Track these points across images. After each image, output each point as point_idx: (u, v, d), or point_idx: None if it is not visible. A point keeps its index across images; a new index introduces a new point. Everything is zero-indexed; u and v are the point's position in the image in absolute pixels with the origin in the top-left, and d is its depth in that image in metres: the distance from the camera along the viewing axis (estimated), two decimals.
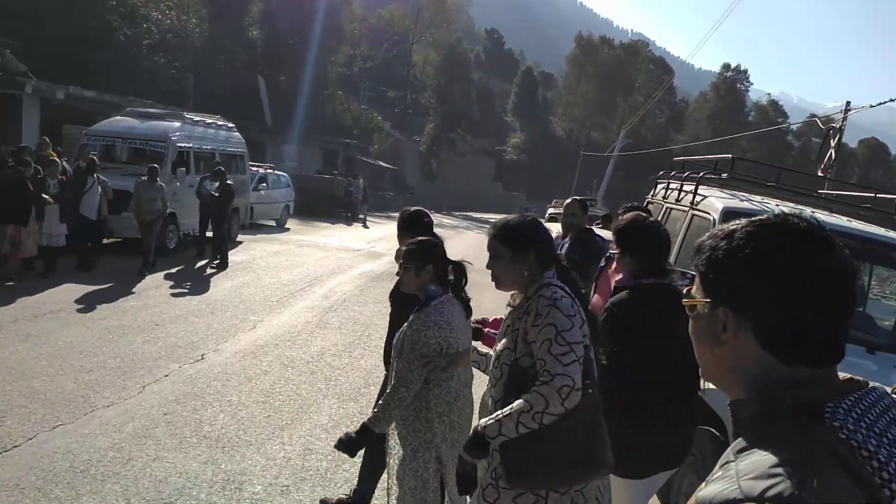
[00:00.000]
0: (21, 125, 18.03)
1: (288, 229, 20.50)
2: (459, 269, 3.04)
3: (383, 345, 3.82)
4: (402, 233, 3.65)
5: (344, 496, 4.15)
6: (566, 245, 5.54)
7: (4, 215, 9.01)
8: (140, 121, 13.64)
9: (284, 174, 21.94)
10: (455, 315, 2.94)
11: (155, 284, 10.27)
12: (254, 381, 6.36)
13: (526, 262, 2.37)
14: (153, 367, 6.39)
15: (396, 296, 3.57)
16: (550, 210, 21.59)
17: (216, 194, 12.25)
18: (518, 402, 2.13)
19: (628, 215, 3.11)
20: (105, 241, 11.86)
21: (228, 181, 12.48)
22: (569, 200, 5.85)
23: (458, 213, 44.98)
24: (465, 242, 25.85)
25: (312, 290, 11.16)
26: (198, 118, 14.59)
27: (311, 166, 32.18)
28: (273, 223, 20.51)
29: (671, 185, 6.24)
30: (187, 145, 13.52)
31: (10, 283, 9.13)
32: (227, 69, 29.37)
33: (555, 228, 9.93)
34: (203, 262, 12.58)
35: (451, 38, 58.02)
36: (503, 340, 2.37)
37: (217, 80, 27.44)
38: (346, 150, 38.55)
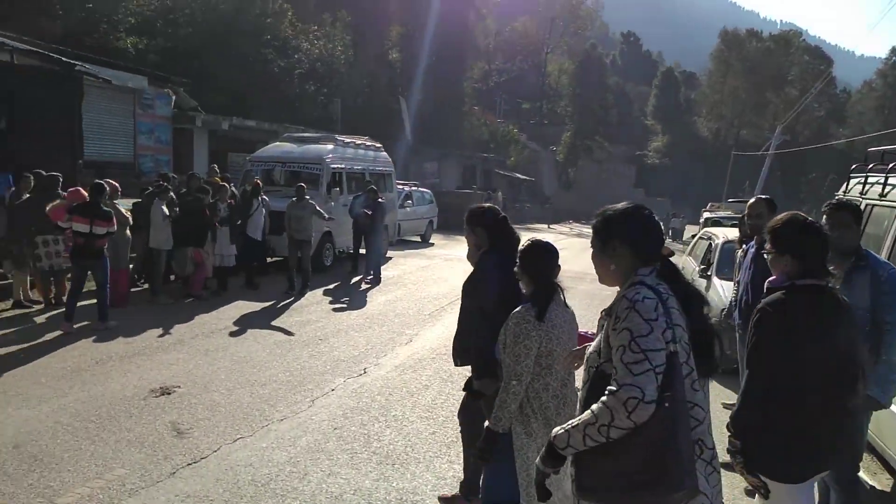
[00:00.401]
0: (193, 155, 19.67)
1: (432, 244, 20.83)
2: (556, 275, 3.11)
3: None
4: (472, 229, 3.71)
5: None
6: (751, 249, 5.02)
7: (187, 239, 9.72)
8: (297, 145, 14.36)
9: (427, 191, 22.35)
10: (557, 314, 3.00)
11: (315, 300, 10.66)
12: (416, 396, 6.33)
13: (613, 255, 2.19)
14: (320, 381, 6.54)
15: (468, 290, 3.67)
16: (707, 214, 20.34)
17: (369, 212, 12.58)
18: (587, 413, 1.99)
19: (785, 214, 2.84)
20: (268, 259, 12.55)
21: (380, 199, 12.78)
22: (753, 200, 5.31)
23: None
24: None
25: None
26: (348, 140, 15.13)
27: (451, 182, 32.65)
28: (418, 238, 20.92)
29: (870, 179, 5.50)
30: (340, 166, 14.04)
31: (190, 300, 9.84)
32: (370, 92, 30.53)
33: (720, 233, 9.38)
34: (357, 278, 12.96)
35: (586, 45, 57.00)
36: (594, 342, 2.23)
37: (361, 103, 28.58)
38: (483, 164, 38.80)
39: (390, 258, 16.02)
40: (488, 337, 3.20)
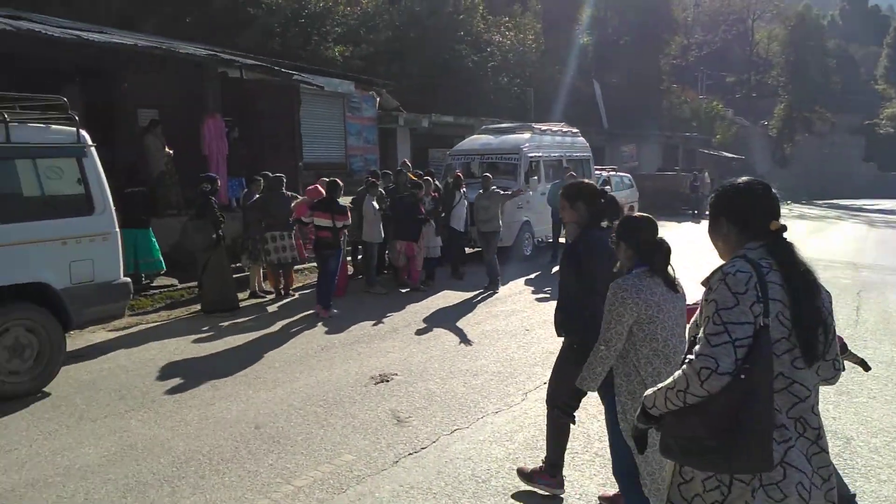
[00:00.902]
0: (396, 153, 20.57)
1: None
2: (661, 247, 3.12)
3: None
4: (572, 204, 3.80)
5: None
6: None
7: (403, 233, 10.07)
8: (494, 136, 14.36)
9: (627, 175, 21.38)
10: (656, 284, 3.07)
11: (518, 290, 10.52)
12: None
13: (720, 230, 2.23)
14: (531, 373, 6.34)
15: (567, 261, 3.80)
16: None
17: None
18: (671, 378, 2.09)
19: None
20: (467, 251, 12.67)
21: None
22: None
23: (821, 202, 39.32)
24: (843, 234, 22.26)
25: None
26: (545, 127, 14.85)
27: (651, 165, 31.02)
28: None
29: None
30: (537, 154, 13.81)
31: (405, 290, 10.19)
32: (562, 78, 29.94)
33: None
34: (557, 268, 12.62)
35: (799, 6, 51.24)
36: (696, 313, 2.24)
37: (553, 91, 28.10)
38: (686, 143, 36.44)
39: None
40: (601, 307, 3.24)
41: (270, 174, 9.74)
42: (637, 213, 3.33)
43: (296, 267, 10.32)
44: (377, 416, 5.26)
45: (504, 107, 25.82)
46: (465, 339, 7.53)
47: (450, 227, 11.28)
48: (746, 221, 2.17)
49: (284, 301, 9.59)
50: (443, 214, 11.31)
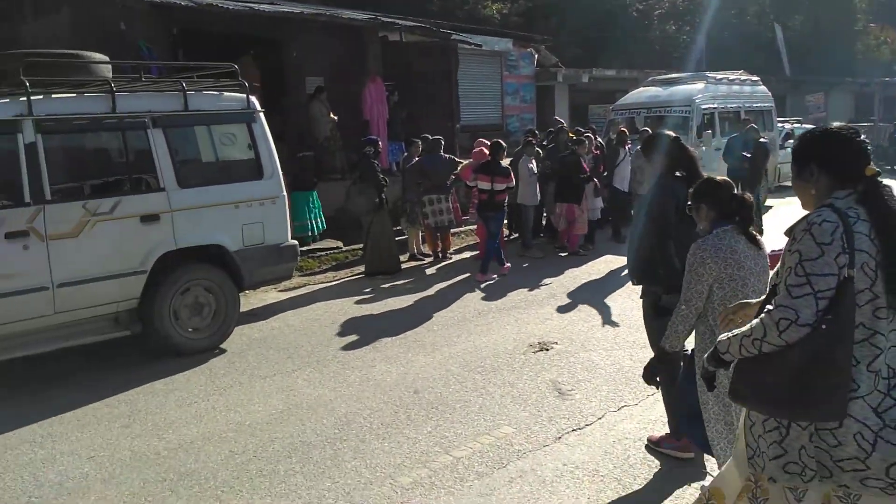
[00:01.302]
0: (554, 111, 19.89)
1: None
2: (744, 205, 3.08)
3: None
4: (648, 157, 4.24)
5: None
6: None
7: (566, 195, 9.60)
8: (663, 88, 13.34)
9: (812, 126, 19.13)
10: (738, 242, 3.03)
11: None
12: None
13: (810, 179, 2.13)
14: None
15: (650, 212, 3.89)
16: None
17: (748, 155, 11.03)
18: (747, 326, 2.07)
19: None
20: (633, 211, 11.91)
21: (763, 139, 11.11)
22: None
23: None
24: None
25: None
26: (720, 76, 13.57)
27: (842, 115, 27.63)
28: None
29: None
30: (711, 106, 12.64)
31: (564, 254, 9.78)
32: (739, 24, 27.34)
33: None
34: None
35: None
36: (779, 263, 2.15)
37: (730, 38, 25.73)
38: (884, 90, 32.02)
39: (770, 207, 14.03)
40: (673, 253, 3.37)
41: (430, 137, 9.65)
42: (715, 177, 3.31)
43: (453, 230, 10.24)
44: (537, 387, 4.99)
45: (672, 57, 24.07)
46: (629, 308, 7.02)
47: (612, 187, 10.64)
48: (838, 167, 2.08)
49: (442, 264, 9.56)
50: (605, 174, 10.69)
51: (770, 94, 14.84)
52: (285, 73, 12.99)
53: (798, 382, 1.96)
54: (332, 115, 11.62)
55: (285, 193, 6.35)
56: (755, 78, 14.56)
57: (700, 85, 12.90)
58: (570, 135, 10.71)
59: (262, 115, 6.23)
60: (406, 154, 10.23)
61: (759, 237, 3.13)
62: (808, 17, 31.47)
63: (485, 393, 4.92)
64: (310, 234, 9.99)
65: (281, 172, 6.32)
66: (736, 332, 2.11)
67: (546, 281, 8.28)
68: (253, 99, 6.17)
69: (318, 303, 7.52)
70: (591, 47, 22.33)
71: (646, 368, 3.43)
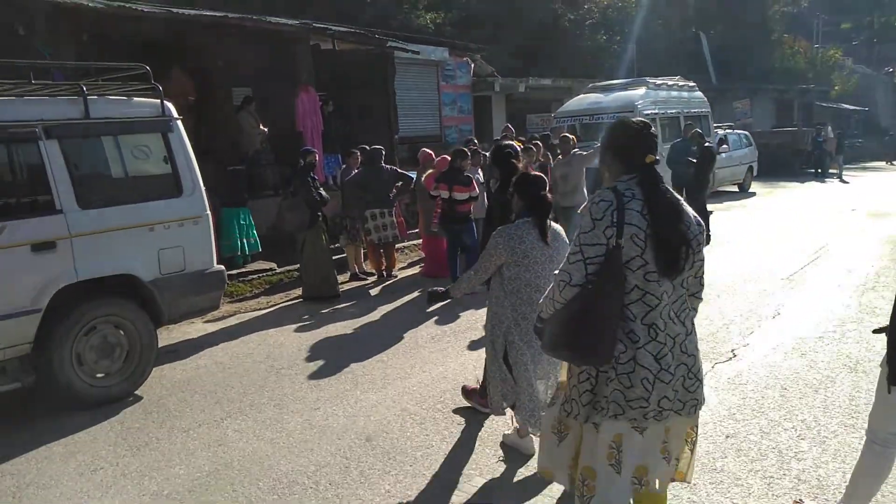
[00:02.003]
0: (492, 121, 19.47)
1: (754, 193, 17.96)
2: (542, 203, 3.60)
3: None
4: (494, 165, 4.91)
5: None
6: None
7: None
8: (604, 94, 13.07)
9: (745, 132, 19.36)
10: (529, 234, 3.58)
11: None
12: (821, 392, 4.69)
13: (606, 163, 2.51)
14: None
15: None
16: None
17: (694, 161, 10.77)
18: (549, 288, 2.50)
19: None
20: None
21: (707, 143, 10.88)
22: None
23: None
24: None
25: (825, 263, 8.87)
26: (660, 81, 13.40)
27: (765, 121, 28.38)
28: (735, 188, 18.21)
29: None
30: (653, 111, 12.41)
31: None
32: (665, 33, 27.72)
33: None
34: None
35: None
36: None
37: (658, 47, 26.00)
38: (801, 97, 33.19)
39: (710, 212, 13.92)
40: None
41: (368, 147, 8.93)
42: (531, 172, 3.81)
43: (397, 245, 9.54)
44: (507, 424, 4.34)
45: (604, 66, 24.09)
46: None
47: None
48: (627, 154, 2.41)
49: (387, 283, 8.83)
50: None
51: (706, 99, 14.79)
52: (211, 83, 12.06)
53: (573, 332, 2.33)
54: (262, 127, 10.77)
55: (209, 212, 5.52)
56: (692, 84, 14.51)
57: (641, 90, 12.67)
58: (518, 143, 10.18)
59: (179, 123, 5.40)
60: (344, 166, 9.48)
61: (551, 232, 3.65)
62: (727, 27, 32.28)
63: (448, 436, 4.23)
64: (240, 254, 9.11)
65: (204, 188, 5.49)
66: (545, 294, 2.53)
67: None
68: (168, 105, 5.33)
69: (250, 334, 6.66)
70: (525, 57, 22.07)
71: (430, 294, 4.04)
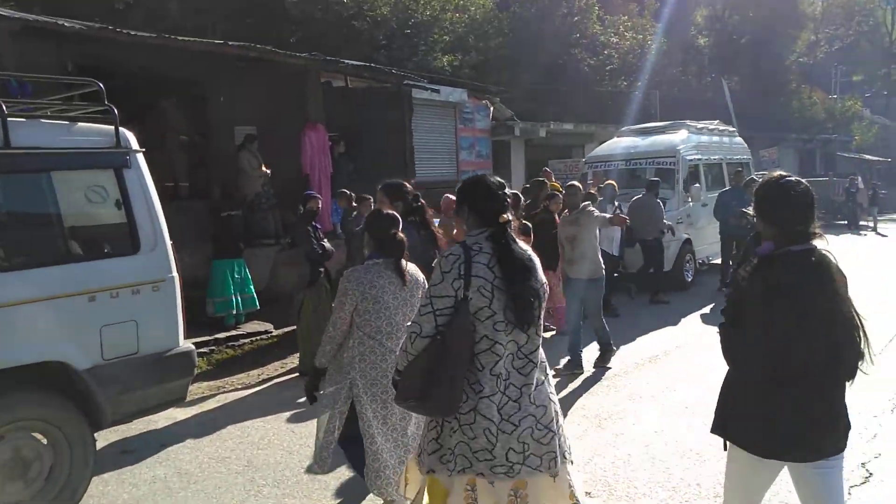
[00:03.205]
0: (510, 167, 18.25)
1: None
2: (398, 244, 3.30)
3: None
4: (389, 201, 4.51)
5: None
6: None
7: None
8: (641, 137, 11.74)
9: None
10: (380, 277, 3.25)
11: (698, 332, 7.85)
12: None
13: (464, 217, 2.54)
14: None
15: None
16: None
17: (748, 211, 9.37)
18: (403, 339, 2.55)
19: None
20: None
21: None
22: None
23: None
24: None
25: None
26: (700, 125, 12.07)
27: (790, 170, 27.07)
28: None
29: None
30: (696, 157, 11.06)
31: (553, 334, 7.75)
32: (686, 80, 26.74)
33: None
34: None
35: None
36: None
37: (677, 93, 24.98)
38: (824, 147, 32.00)
39: None
40: None
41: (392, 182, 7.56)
42: (383, 210, 3.60)
43: None
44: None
45: (624, 112, 23.01)
46: (613, 402, 5.02)
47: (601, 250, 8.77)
48: (480, 210, 2.46)
49: None
50: None
51: (747, 146, 13.50)
52: (210, 120, 10.87)
53: (421, 383, 2.31)
54: (264, 169, 9.51)
55: (175, 273, 4.13)
56: (731, 129, 13.25)
57: (682, 134, 11.37)
58: (554, 186, 8.87)
59: (140, 157, 4.05)
60: (356, 213, 8.11)
61: (408, 272, 3.32)
62: (744, 76, 31.33)
63: None
64: (234, 313, 7.73)
65: (169, 242, 4.10)
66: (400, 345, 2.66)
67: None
68: (126, 134, 3.98)
69: (230, 426, 5.15)
70: (543, 102, 21.02)
71: (306, 387, 3.56)
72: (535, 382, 2.37)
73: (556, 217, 7.71)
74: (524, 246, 2.46)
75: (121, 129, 3.94)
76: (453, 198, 7.51)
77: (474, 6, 20.46)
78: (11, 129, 3.50)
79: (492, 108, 16.86)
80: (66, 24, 6.81)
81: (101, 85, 4.00)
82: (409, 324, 2.44)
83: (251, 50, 8.63)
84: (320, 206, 6.85)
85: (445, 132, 15.74)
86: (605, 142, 19.72)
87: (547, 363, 2.50)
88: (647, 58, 25.00)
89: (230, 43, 8.38)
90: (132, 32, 7.57)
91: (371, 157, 12.00)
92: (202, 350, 7.15)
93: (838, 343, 2.24)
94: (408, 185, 4.80)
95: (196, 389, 6.11)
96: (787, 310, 2.26)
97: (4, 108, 3.47)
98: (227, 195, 7.79)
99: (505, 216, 2.40)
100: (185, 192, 10.63)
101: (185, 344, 4.21)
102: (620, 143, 11.87)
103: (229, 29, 15.52)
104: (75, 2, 10.61)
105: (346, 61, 10.14)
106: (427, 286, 2.42)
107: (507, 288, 2.30)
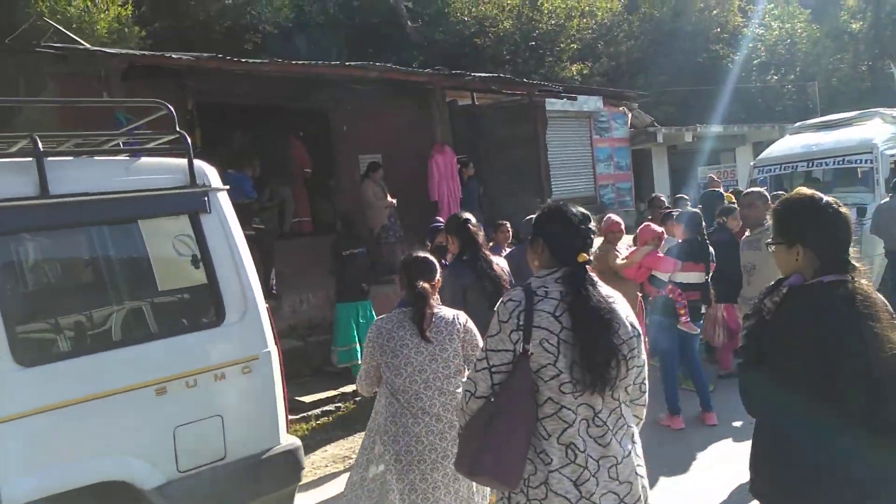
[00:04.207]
0: (652, 177, 16.40)
1: None
2: (418, 295, 2.82)
3: None
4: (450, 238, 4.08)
5: None
6: None
7: (717, 290, 5.87)
8: (823, 132, 9.63)
9: None
10: (401, 328, 2.82)
11: None
12: None
13: (538, 252, 2.14)
14: None
15: None
16: None
17: None
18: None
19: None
20: None
21: None
22: None
23: None
24: None
25: None
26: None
27: None
28: None
29: None
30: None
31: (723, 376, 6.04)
32: (846, 67, 23.39)
33: None
34: None
35: None
36: None
37: (835, 84, 21.82)
38: None
39: None
40: None
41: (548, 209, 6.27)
42: (419, 253, 3.07)
43: None
44: None
45: (776, 108, 20.35)
46: None
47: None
48: (555, 245, 2.09)
49: None
50: None
51: None
52: (334, 150, 10.15)
53: (469, 445, 2.01)
54: (390, 199, 8.55)
55: (273, 347, 3.05)
56: None
57: (877, 125, 9.18)
58: (729, 197, 7.16)
59: (223, 197, 3.03)
60: (492, 244, 6.87)
61: (437, 323, 2.82)
62: None
63: None
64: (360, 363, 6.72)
65: (264, 306, 3.05)
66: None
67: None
68: (204, 169, 2.98)
69: None
70: (683, 104, 18.94)
71: None
72: (618, 454, 1.97)
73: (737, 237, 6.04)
74: (609, 291, 2.06)
75: (197, 162, 2.94)
76: (618, 219, 6.05)
77: (601, 10, 18.88)
78: (52, 169, 2.57)
79: (629, 115, 15.18)
80: (173, 56, 6.18)
81: (172, 108, 3.02)
82: (464, 379, 2.21)
83: (371, 69, 7.71)
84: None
85: (580, 144, 14.25)
86: (760, 143, 17.36)
87: (636, 430, 2.06)
88: (799, 48, 22.08)
89: (348, 63, 7.49)
90: (245, 60, 6.86)
91: (501, 178, 10.80)
92: (327, 408, 6.21)
93: (879, 396, 1.78)
94: (470, 216, 4.02)
95: (318, 460, 5.09)
96: (815, 352, 1.85)
97: (41, 144, 2.55)
98: (348, 230, 6.84)
99: (585, 255, 2.05)
100: (310, 228, 9.97)
101: (289, 439, 3.11)
102: (797, 142, 9.80)
103: (351, 60, 15.12)
104: (205, 45, 10.37)
105: (473, 74, 8.99)
106: (478, 337, 2.16)
107: (577, 342, 1.92)
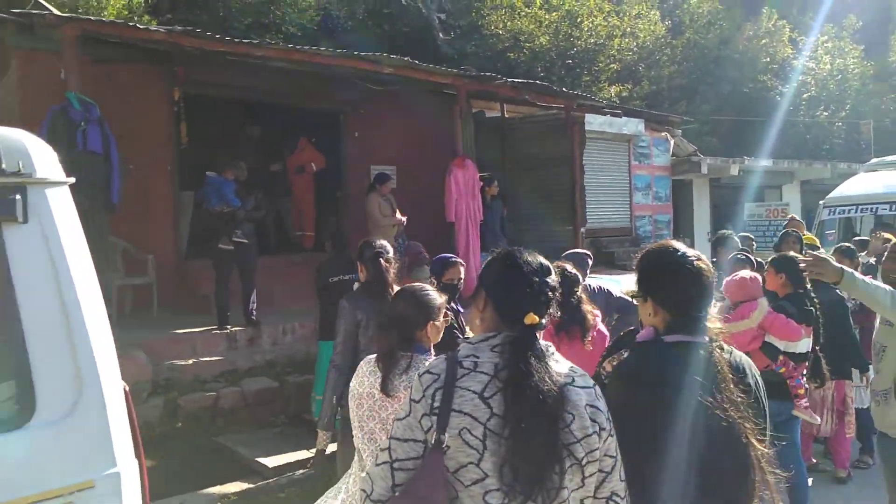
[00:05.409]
0: (692, 211, 14.90)
1: None
2: (380, 343, 2.37)
3: None
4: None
5: None
6: None
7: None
8: None
9: None
10: (370, 373, 2.35)
11: None
12: None
13: (478, 305, 1.60)
14: None
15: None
16: None
17: None
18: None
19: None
20: None
21: None
22: None
23: None
24: None
25: None
26: None
27: None
28: None
29: None
30: None
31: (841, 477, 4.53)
32: (888, 109, 21.74)
33: None
34: None
35: None
36: None
37: (892, 123, 20.18)
38: None
39: None
40: None
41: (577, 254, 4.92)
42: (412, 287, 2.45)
43: None
44: None
45: (824, 146, 18.80)
46: None
47: None
48: (497, 302, 1.54)
49: None
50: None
51: None
52: (342, 158, 8.91)
53: None
54: (398, 216, 7.25)
55: (127, 465, 1.71)
56: None
57: None
58: (808, 239, 5.72)
59: (59, 197, 1.72)
60: None
61: (392, 383, 2.21)
62: None
63: None
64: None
65: (120, 385, 1.72)
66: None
67: None
68: (27, 145, 1.68)
69: None
70: (725, 135, 17.50)
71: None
72: None
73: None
74: (564, 369, 1.46)
75: (13, 132, 1.63)
76: (744, 276, 4.43)
77: (643, 32, 17.55)
78: None
79: (672, 142, 13.74)
80: (139, 27, 4.95)
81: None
82: (363, 474, 1.57)
83: (384, 62, 6.42)
84: (463, 275, 4.17)
85: (616, 170, 12.81)
86: (808, 182, 15.78)
87: None
88: (850, 84, 20.49)
89: (357, 53, 6.22)
90: (234, 40, 5.61)
91: (529, 201, 9.49)
92: (296, 474, 4.83)
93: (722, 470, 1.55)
94: (385, 246, 3.50)
95: None
96: (657, 416, 1.56)
97: None
98: (339, 251, 5.51)
99: (535, 316, 1.46)
100: (310, 243, 8.73)
101: None
102: (874, 181, 8.33)
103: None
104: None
105: (504, 78, 7.67)
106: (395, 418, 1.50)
107: (509, 436, 1.36)
